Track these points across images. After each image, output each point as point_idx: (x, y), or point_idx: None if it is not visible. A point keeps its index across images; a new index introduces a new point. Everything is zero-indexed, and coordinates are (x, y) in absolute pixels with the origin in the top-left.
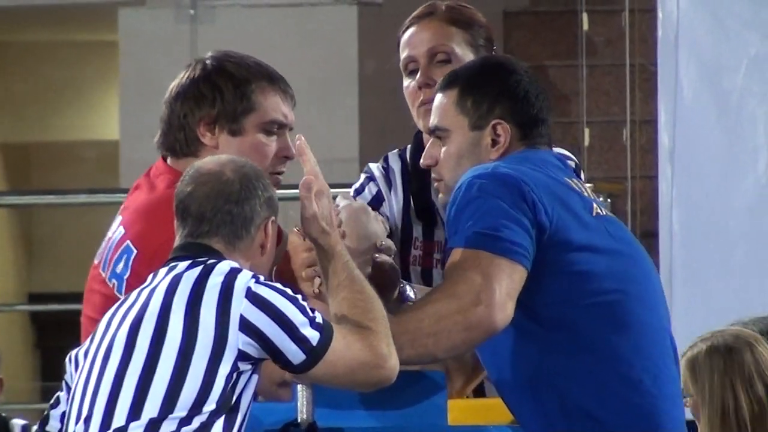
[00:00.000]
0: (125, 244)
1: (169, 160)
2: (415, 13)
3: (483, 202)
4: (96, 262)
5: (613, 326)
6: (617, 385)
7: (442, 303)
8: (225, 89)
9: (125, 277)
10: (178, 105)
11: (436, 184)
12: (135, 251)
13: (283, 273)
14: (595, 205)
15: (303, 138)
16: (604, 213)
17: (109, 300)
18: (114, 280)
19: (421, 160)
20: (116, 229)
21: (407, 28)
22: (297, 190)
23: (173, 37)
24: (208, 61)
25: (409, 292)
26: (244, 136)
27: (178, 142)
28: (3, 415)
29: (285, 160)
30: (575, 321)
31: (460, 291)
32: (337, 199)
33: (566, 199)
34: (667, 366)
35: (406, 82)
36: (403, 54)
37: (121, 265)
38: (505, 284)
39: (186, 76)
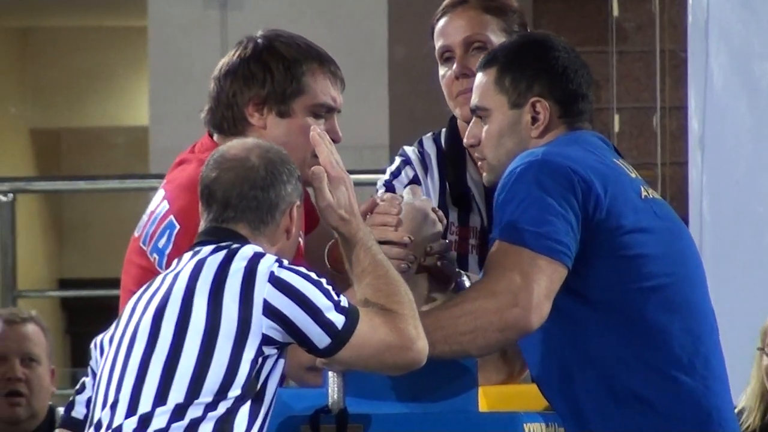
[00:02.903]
0: (168, 218)
1: (215, 137)
2: (448, 1)
3: (529, 194)
4: (136, 234)
5: (664, 309)
6: (669, 368)
7: (480, 302)
8: (275, 70)
9: (167, 252)
10: (228, 83)
11: (479, 163)
12: (178, 226)
13: (334, 257)
14: (642, 188)
15: (317, 129)
16: (651, 195)
17: (147, 273)
18: (155, 255)
19: (464, 140)
20: (159, 203)
21: (441, 16)
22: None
23: (203, 23)
24: (259, 40)
25: (466, 282)
26: (292, 117)
27: (226, 120)
28: (51, 403)
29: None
30: (627, 304)
31: (499, 290)
32: (404, 192)
33: (618, 182)
34: (716, 347)
35: (442, 71)
36: (438, 43)
37: (163, 240)
38: (544, 285)
39: (236, 54)
